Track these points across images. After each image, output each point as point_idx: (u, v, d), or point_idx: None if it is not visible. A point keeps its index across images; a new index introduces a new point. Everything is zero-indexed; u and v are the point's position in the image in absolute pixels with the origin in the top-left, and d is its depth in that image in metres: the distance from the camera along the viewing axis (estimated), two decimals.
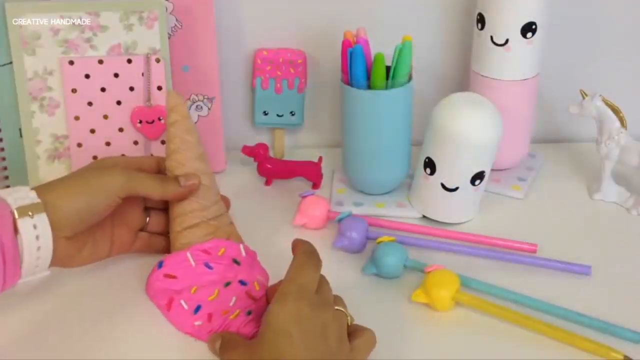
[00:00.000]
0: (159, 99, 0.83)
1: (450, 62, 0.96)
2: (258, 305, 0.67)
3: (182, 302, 0.66)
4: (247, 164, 0.92)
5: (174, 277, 0.67)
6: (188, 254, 0.68)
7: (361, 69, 0.79)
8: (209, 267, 0.68)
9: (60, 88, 0.81)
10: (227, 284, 0.67)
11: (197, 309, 0.65)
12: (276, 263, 0.70)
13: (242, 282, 0.67)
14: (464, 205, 0.80)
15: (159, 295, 0.67)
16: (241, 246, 0.70)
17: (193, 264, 0.68)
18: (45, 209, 0.60)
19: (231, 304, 0.66)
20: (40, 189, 0.62)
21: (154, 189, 0.68)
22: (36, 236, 0.59)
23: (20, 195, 0.60)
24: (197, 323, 0.65)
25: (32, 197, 0.60)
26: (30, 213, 0.59)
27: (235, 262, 0.69)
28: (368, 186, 0.86)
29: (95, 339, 0.65)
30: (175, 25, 0.85)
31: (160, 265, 0.68)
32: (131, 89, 0.82)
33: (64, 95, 0.81)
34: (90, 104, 0.82)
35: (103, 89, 0.82)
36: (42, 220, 0.59)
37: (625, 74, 0.97)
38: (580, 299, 0.69)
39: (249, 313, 0.65)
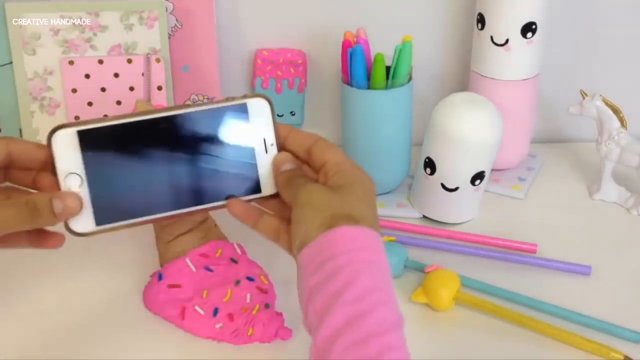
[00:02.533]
0: (159, 99, 0.83)
1: (450, 62, 0.96)
2: (271, 298, 0.68)
3: (197, 307, 0.66)
4: None
5: (178, 286, 0.67)
6: (187, 261, 0.68)
7: (361, 69, 0.79)
8: (210, 270, 0.68)
9: (60, 88, 0.81)
10: (237, 282, 0.67)
11: (215, 311, 0.65)
12: (276, 263, 0.70)
13: (249, 279, 0.68)
14: (464, 205, 0.80)
15: (167, 306, 0.67)
16: (235, 245, 0.70)
17: (194, 269, 0.68)
18: None
19: (248, 300, 0.66)
20: None
21: (21, 223, 0.53)
22: None
23: None
24: (218, 325, 0.65)
25: None
26: None
27: (233, 260, 0.69)
28: None
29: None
30: (175, 25, 0.85)
31: (160, 277, 0.68)
32: (131, 89, 0.82)
33: (64, 95, 0.81)
34: (90, 104, 0.82)
35: (103, 89, 0.82)
36: None
37: (625, 74, 0.97)
38: (580, 299, 0.69)
39: (267, 306, 0.66)
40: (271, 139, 0.60)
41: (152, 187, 0.58)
